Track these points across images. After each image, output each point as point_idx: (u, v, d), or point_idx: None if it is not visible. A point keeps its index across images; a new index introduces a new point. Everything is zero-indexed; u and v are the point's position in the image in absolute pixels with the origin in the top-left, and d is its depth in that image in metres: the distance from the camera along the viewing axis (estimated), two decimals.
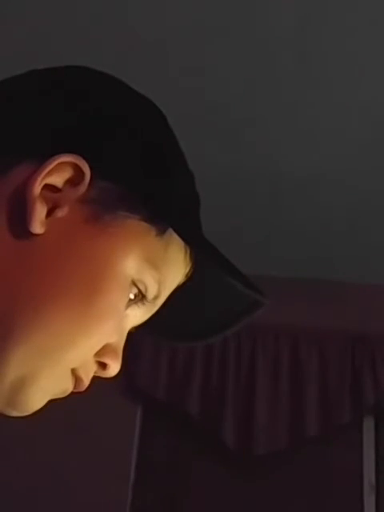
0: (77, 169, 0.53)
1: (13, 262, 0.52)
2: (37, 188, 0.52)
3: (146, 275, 0.56)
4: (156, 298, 0.58)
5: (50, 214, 0.52)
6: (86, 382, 0.57)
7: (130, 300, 0.57)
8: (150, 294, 0.57)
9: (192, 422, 3.14)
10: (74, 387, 0.56)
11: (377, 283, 3.33)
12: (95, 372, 0.58)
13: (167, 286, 0.59)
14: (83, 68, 0.60)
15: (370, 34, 1.96)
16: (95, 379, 0.58)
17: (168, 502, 3.13)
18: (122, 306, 0.56)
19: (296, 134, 2.40)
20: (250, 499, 3.09)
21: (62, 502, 2.96)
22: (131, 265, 0.55)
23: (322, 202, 2.80)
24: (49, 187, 0.53)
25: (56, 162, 0.52)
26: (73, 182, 0.53)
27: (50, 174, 0.52)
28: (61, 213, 0.53)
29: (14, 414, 0.55)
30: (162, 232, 0.57)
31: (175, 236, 0.57)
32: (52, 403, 0.57)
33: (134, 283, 0.56)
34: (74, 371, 0.55)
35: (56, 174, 0.53)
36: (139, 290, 0.57)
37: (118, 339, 0.57)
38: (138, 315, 0.59)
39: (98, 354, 0.56)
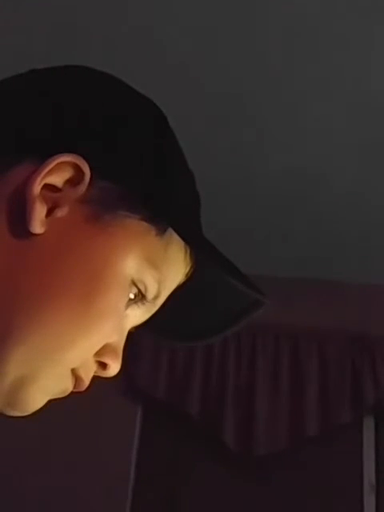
0: (77, 168, 0.53)
1: (12, 261, 0.52)
2: (37, 188, 0.52)
3: (146, 275, 0.56)
4: (156, 297, 0.58)
5: (49, 213, 0.52)
6: (86, 381, 0.57)
7: (130, 300, 0.57)
8: (150, 294, 0.57)
9: (192, 422, 3.13)
10: (74, 387, 0.56)
11: (377, 283, 3.33)
12: (95, 372, 0.57)
13: (167, 286, 0.59)
14: (83, 68, 0.60)
15: (370, 34, 1.97)
16: (95, 379, 0.58)
17: (168, 502, 3.13)
18: (122, 305, 0.56)
19: (296, 134, 2.40)
20: (250, 499, 3.08)
21: (62, 502, 2.96)
22: (131, 264, 0.55)
23: (322, 202, 2.80)
24: (49, 187, 0.53)
25: (56, 162, 0.52)
26: (73, 182, 0.53)
27: (49, 173, 0.52)
28: (61, 213, 0.53)
29: (14, 413, 0.55)
30: (162, 232, 0.57)
31: (175, 236, 0.57)
32: (52, 403, 0.57)
33: (133, 283, 0.56)
34: (74, 371, 0.55)
35: (56, 173, 0.53)
36: (139, 290, 0.57)
37: (118, 339, 0.57)
38: (137, 315, 0.59)
39: (98, 353, 0.56)
